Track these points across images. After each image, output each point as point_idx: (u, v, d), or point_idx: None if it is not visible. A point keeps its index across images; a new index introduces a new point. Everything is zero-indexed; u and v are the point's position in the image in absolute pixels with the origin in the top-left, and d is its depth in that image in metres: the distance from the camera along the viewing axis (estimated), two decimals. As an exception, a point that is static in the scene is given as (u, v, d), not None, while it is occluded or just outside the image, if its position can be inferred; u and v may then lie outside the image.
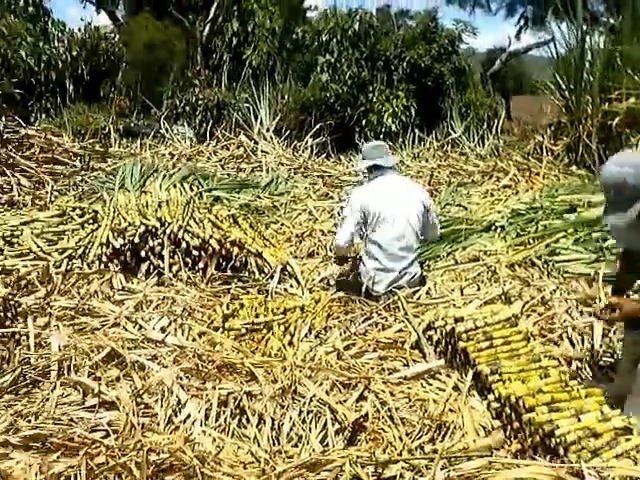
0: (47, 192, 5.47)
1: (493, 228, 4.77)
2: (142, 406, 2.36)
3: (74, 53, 9.87)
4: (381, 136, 8.74)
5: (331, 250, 4.17)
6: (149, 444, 2.03)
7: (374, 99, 9.47)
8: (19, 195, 5.46)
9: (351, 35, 9.86)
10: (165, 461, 1.96)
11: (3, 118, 6.41)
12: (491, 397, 2.31)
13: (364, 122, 9.32)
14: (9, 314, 2.91)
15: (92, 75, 10.20)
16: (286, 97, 9.49)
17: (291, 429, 2.24)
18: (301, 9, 13.45)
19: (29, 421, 2.23)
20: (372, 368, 2.69)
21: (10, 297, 2.99)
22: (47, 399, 2.38)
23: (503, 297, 3.42)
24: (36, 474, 1.89)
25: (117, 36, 11.46)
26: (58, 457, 2.04)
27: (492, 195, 6.16)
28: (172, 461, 1.97)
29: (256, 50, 10.58)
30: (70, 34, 10.34)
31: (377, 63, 9.86)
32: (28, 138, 6.29)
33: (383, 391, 2.45)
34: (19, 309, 3.02)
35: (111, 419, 2.26)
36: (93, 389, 2.40)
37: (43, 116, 8.46)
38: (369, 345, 2.94)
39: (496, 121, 9.25)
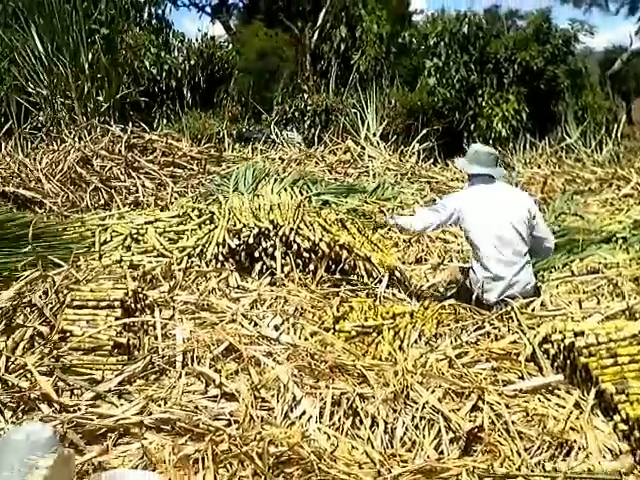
0: (168, 193, 5.83)
1: (614, 239, 4.53)
2: (260, 400, 2.46)
3: (192, 62, 10.43)
4: (490, 141, 8.55)
5: (398, 225, 3.96)
6: (268, 436, 2.12)
7: (483, 103, 9.29)
8: (143, 196, 5.87)
9: (460, 38, 9.71)
10: (284, 454, 2.04)
11: (130, 124, 6.91)
12: (617, 418, 2.20)
13: (473, 127, 9.16)
14: (139, 306, 3.14)
15: (208, 83, 10.73)
16: (393, 102, 9.50)
17: (404, 434, 2.25)
18: (407, 13, 13.43)
19: (159, 405, 2.40)
20: (485, 378, 2.63)
21: (139, 290, 3.23)
22: (174, 387, 2.55)
23: (627, 313, 3.22)
24: (169, 454, 2.03)
25: (230, 45, 12.01)
26: (186, 441, 2.19)
27: (612, 204, 5.85)
28: (290, 455, 2.04)
29: (363, 55, 10.70)
30: (188, 44, 10.96)
31: (486, 66, 9.65)
32: (151, 143, 6.75)
33: (498, 403, 2.39)
34: (146, 301, 3.26)
35: (232, 410, 2.38)
36: (214, 380, 2.55)
37: (164, 122, 9.02)
38: (481, 355, 2.88)
39: (616, 125, 8.75)
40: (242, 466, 2.00)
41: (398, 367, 2.63)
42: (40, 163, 6.01)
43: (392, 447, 2.20)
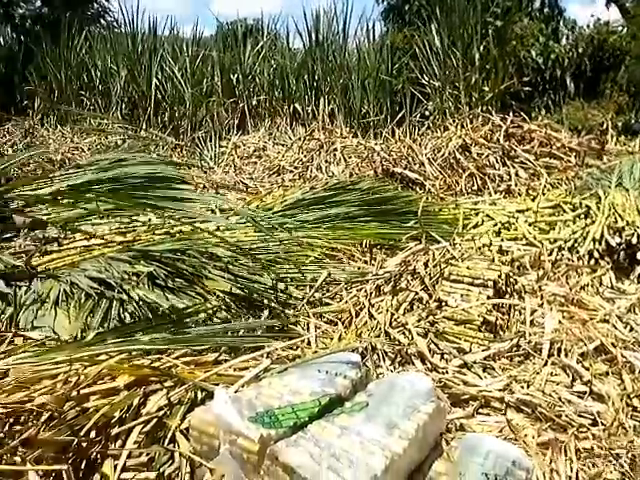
0: (541, 184, 5.73)
1: None
2: (631, 408, 2.30)
3: (580, 50, 9.87)
4: None
5: None
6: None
7: None
8: (515, 185, 5.91)
9: None
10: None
11: (510, 113, 7.00)
12: None
13: None
14: (508, 289, 3.23)
15: (594, 71, 10.00)
16: None
17: None
18: None
19: (522, 387, 2.46)
20: None
21: (511, 274, 3.32)
22: (538, 373, 2.57)
23: None
24: (532, 436, 2.09)
25: (625, 29, 10.89)
26: (545, 428, 2.20)
27: None
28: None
29: None
30: (579, 31, 10.38)
31: None
32: (530, 132, 6.70)
33: None
34: (515, 286, 3.32)
35: (598, 410, 2.28)
36: (582, 376, 2.47)
37: (543, 112, 8.83)
38: None
39: None
40: (608, 467, 1.92)
41: None
42: (425, 148, 6.59)
43: None
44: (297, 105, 9.19)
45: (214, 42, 10.79)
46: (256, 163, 7.48)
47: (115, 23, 13.38)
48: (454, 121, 7.07)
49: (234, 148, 8.00)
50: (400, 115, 8.34)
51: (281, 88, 9.61)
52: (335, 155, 7.13)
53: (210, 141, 8.48)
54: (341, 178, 6.13)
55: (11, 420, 1.83)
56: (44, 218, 5.60)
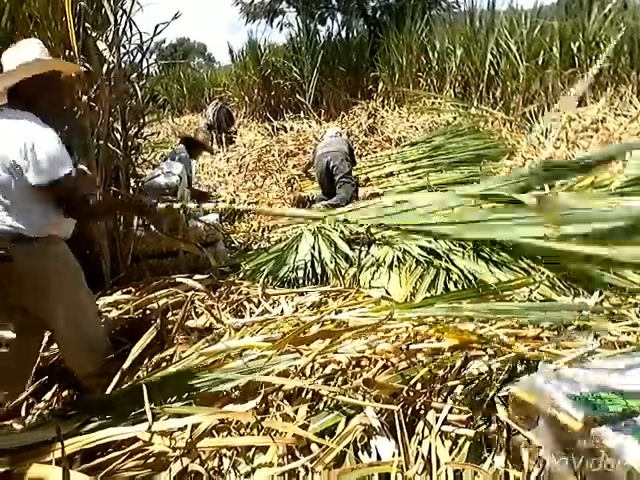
0: None
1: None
2: None
3: None
4: None
5: None
6: None
7: None
8: None
9: None
10: None
11: None
12: None
13: None
14: None
15: None
16: None
17: None
18: None
19: None
20: None
21: None
22: None
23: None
24: None
25: None
26: None
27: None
28: None
29: None
30: None
31: None
32: None
33: None
34: None
35: None
36: None
37: None
38: None
39: None
40: None
41: None
42: None
43: None
44: (647, 71, 8.08)
45: (556, 10, 10.15)
46: (592, 137, 6.86)
47: (455, 4, 13.69)
48: None
49: (568, 121, 7.47)
50: None
51: (629, 53, 8.54)
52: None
53: (542, 115, 8.10)
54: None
55: (354, 363, 2.17)
56: (381, 192, 6.23)
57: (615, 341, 2.24)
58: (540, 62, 9.05)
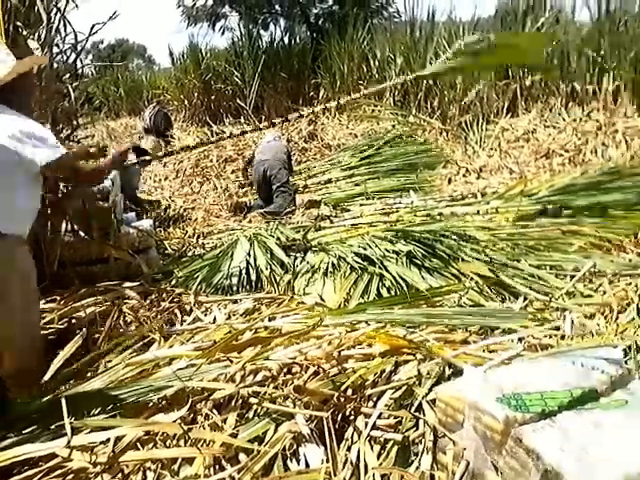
0: None
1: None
2: None
3: None
4: None
5: None
6: None
7: None
8: None
9: None
10: None
11: None
12: None
13: None
14: None
15: None
16: None
17: None
18: None
19: None
20: None
21: None
22: None
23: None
24: None
25: None
26: None
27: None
28: None
29: None
30: None
31: None
32: None
33: None
34: None
35: None
36: None
37: None
38: None
39: None
40: None
41: None
42: None
43: None
44: (575, 84, 8.44)
45: (492, 23, 10.50)
46: (523, 147, 7.13)
47: (397, 13, 13.92)
48: None
49: (501, 131, 7.73)
50: None
51: (560, 66, 8.91)
52: (615, 137, 6.41)
53: (477, 125, 8.34)
54: (619, 162, 5.50)
55: (285, 370, 2.15)
56: (318, 198, 6.25)
57: (538, 344, 2.33)
58: (476, 73, 9.31)
